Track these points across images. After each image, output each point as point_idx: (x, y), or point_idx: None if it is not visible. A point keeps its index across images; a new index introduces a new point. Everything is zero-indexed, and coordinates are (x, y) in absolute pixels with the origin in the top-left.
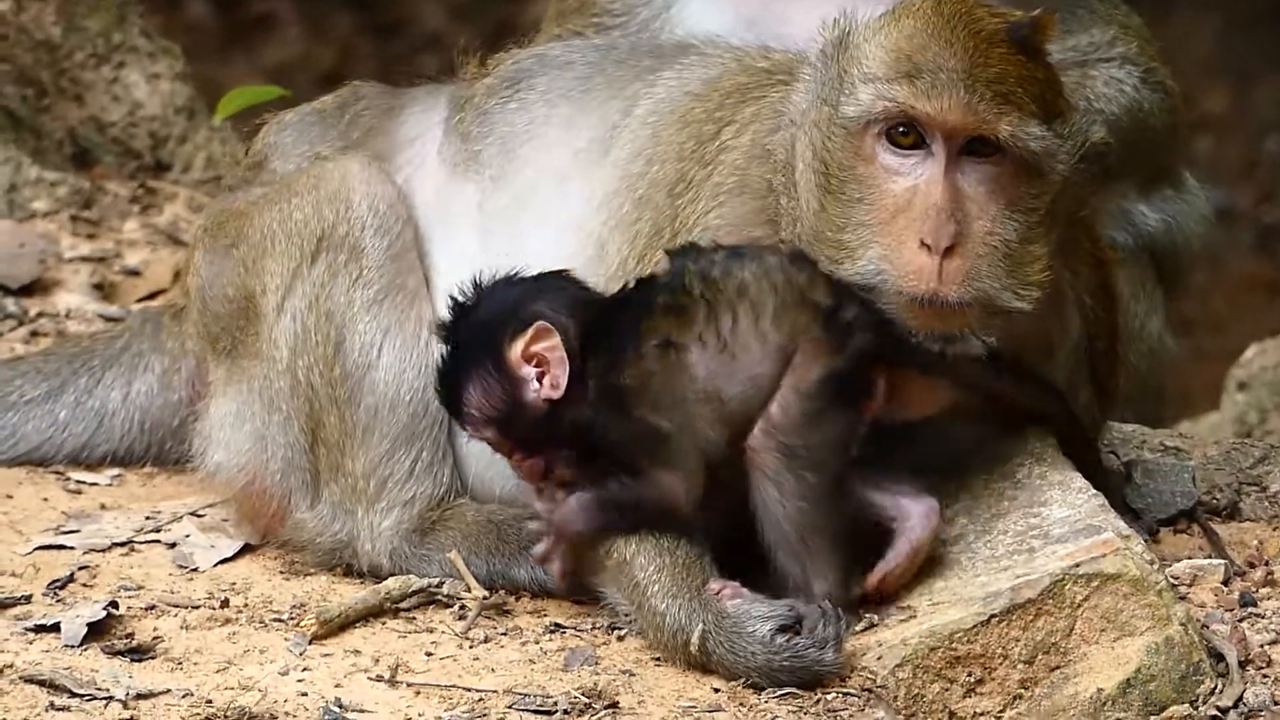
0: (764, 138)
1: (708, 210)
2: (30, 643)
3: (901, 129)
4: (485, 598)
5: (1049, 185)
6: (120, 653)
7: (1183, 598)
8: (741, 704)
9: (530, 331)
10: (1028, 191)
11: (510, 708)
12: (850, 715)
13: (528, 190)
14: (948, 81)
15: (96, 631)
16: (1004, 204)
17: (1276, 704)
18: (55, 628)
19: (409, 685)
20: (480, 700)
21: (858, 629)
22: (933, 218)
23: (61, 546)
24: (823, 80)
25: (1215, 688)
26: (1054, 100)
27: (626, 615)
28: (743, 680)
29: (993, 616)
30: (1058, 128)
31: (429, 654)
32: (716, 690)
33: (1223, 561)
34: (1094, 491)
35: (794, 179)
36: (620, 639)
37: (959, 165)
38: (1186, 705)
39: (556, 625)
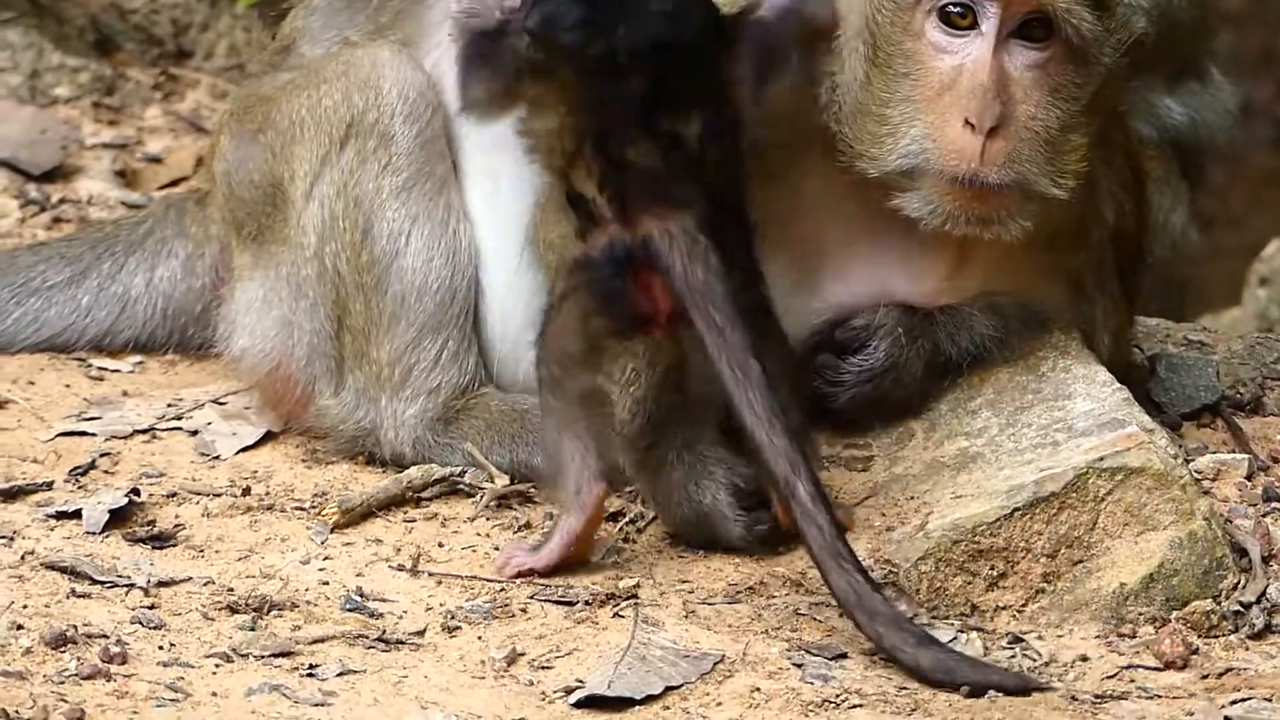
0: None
1: None
2: (51, 529)
3: (957, 9)
4: (505, 486)
5: (1093, 75)
6: (141, 540)
7: (1206, 492)
8: (761, 595)
9: None
10: (1073, 80)
11: (531, 598)
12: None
13: None
14: None
15: (118, 519)
16: (1049, 90)
17: None
18: (77, 514)
19: (430, 575)
20: (501, 590)
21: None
22: (979, 97)
23: (83, 433)
24: None
25: (1238, 583)
26: None
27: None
28: (765, 573)
29: (1016, 510)
30: (1106, 20)
31: (450, 544)
32: (734, 584)
33: (1246, 456)
34: (1118, 385)
35: (842, 47)
36: (640, 530)
37: (1007, 48)
38: (1209, 600)
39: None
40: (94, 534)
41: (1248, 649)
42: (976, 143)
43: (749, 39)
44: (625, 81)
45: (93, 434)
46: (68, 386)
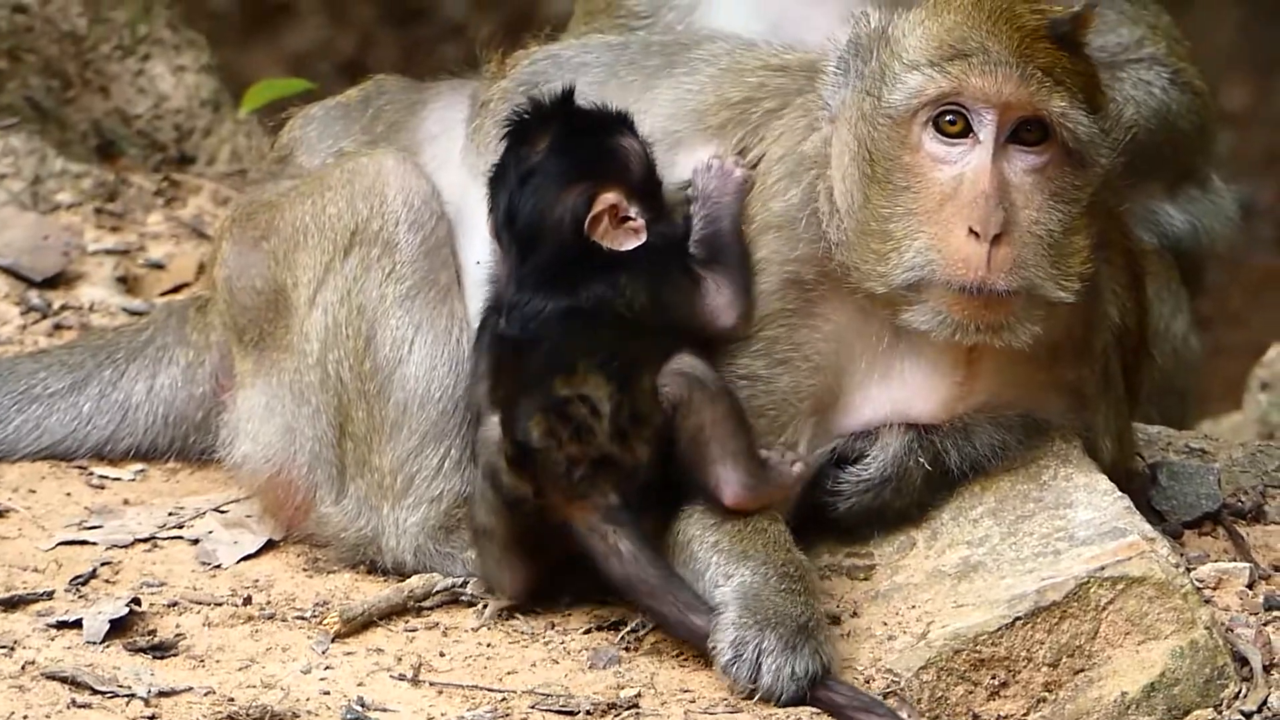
0: (794, 150)
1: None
2: (52, 639)
3: (949, 117)
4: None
5: (1092, 176)
6: (142, 649)
7: (1208, 601)
8: (764, 705)
9: None
10: (1072, 182)
11: (533, 708)
12: None
13: None
14: (999, 60)
15: (119, 628)
16: (1049, 194)
17: None
18: (77, 624)
19: (431, 684)
20: (503, 700)
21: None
22: (982, 205)
23: (84, 542)
24: (861, 74)
25: (1239, 692)
26: (1095, 92)
27: None
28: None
29: (1017, 619)
30: (1100, 120)
31: (452, 653)
32: (765, 697)
33: (1248, 565)
34: (1119, 494)
35: (834, 176)
36: (641, 639)
37: (1005, 154)
38: (1210, 709)
39: (580, 624)
40: (95, 644)
41: None
42: (982, 251)
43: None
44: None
45: (94, 543)
46: (69, 495)
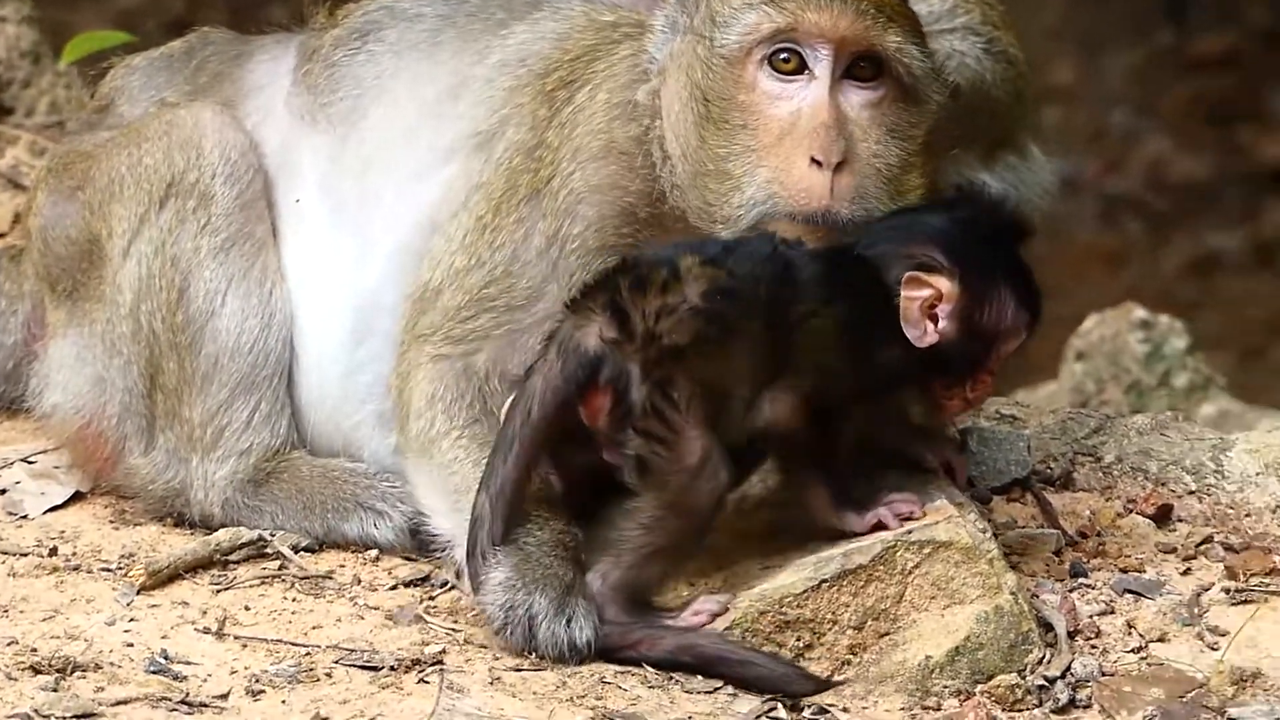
0: (621, 93)
1: (570, 173)
2: None
3: (784, 55)
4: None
5: (926, 114)
6: None
7: (1014, 567)
8: (566, 665)
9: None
10: (907, 118)
11: (337, 663)
12: (684, 676)
13: (376, 143)
14: None
15: None
16: (886, 129)
17: (1104, 674)
18: None
19: (236, 638)
20: (307, 655)
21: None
22: (822, 134)
23: None
24: (690, 25)
25: (1043, 657)
26: (923, 35)
27: None
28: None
29: (823, 581)
30: (931, 58)
31: (257, 607)
32: (541, 657)
33: (1055, 531)
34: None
35: (665, 125)
36: (446, 596)
37: (841, 89)
38: (1014, 674)
39: (385, 581)
40: None
41: None
42: (825, 179)
43: None
44: None
45: None
46: None
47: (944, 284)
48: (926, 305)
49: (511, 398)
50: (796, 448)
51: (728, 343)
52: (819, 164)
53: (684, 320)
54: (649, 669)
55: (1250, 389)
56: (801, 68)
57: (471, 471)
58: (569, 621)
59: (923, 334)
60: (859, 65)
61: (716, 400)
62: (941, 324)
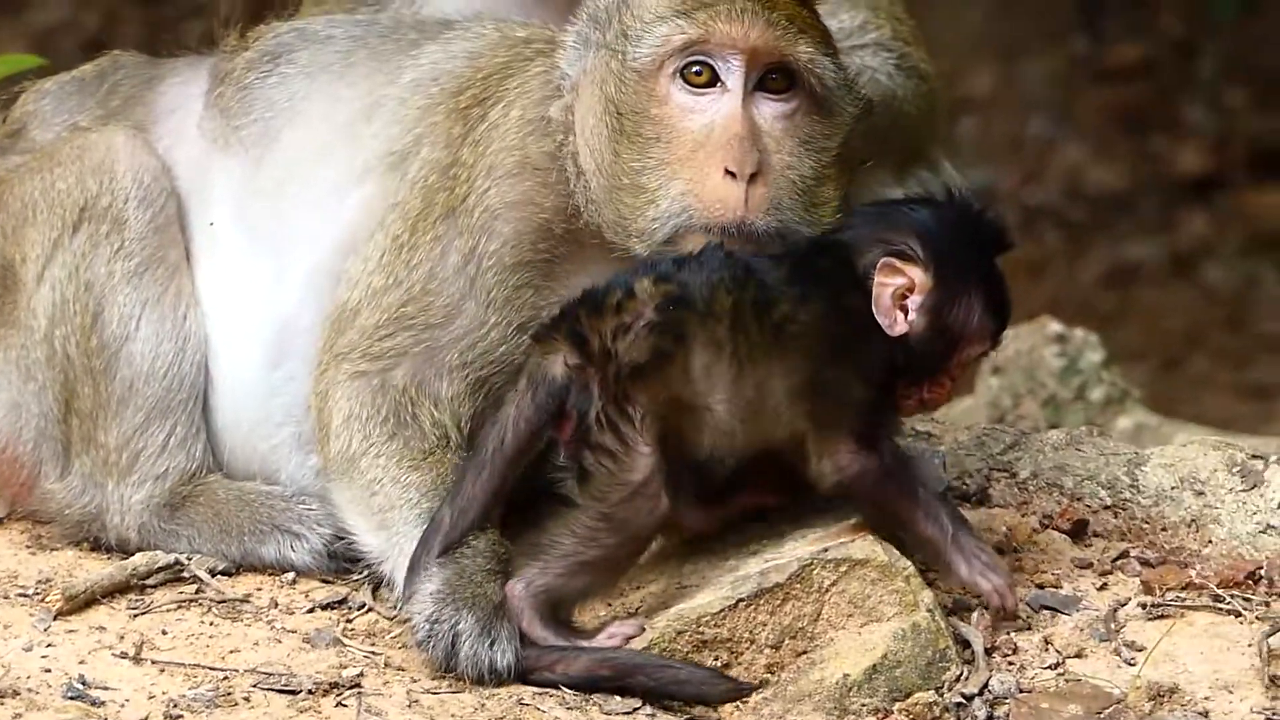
0: (535, 109)
1: (485, 190)
2: None
3: (696, 68)
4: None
5: (839, 125)
6: None
7: (930, 584)
8: (484, 687)
9: None
10: (820, 130)
11: (255, 686)
12: (602, 697)
13: (290, 165)
14: (744, 7)
15: None
16: (799, 140)
17: (1021, 691)
18: None
19: (153, 662)
20: (225, 679)
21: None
22: (736, 145)
23: None
24: (602, 40)
25: (960, 674)
26: (835, 48)
27: None
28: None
29: (740, 600)
30: (843, 69)
31: (174, 631)
32: (459, 676)
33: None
34: None
35: (579, 140)
36: (364, 618)
37: (754, 101)
38: (931, 691)
39: (302, 604)
40: None
41: None
42: (739, 190)
43: None
44: None
45: None
46: None
47: (918, 274)
48: (899, 294)
49: (488, 423)
50: (887, 497)
51: (689, 353)
52: (733, 176)
53: (640, 337)
54: (567, 690)
55: (1169, 400)
56: (714, 80)
57: (393, 489)
58: (492, 644)
59: (893, 323)
60: (771, 77)
61: (686, 414)
62: (911, 315)
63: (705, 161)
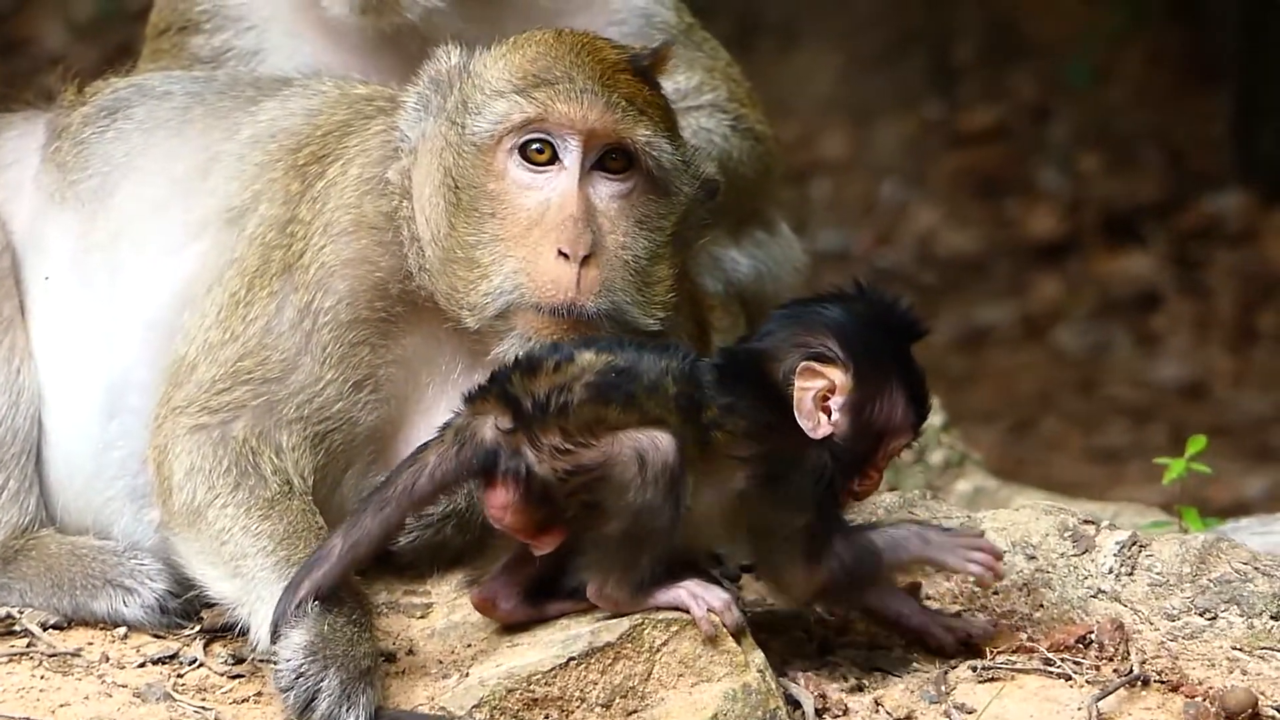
0: (373, 169)
1: (322, 247)
2: None
3: (536, 145)
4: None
5: (675, 206)
6: None
7: (762, 644)
8: None
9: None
10: (656, 210)
11: None
12: None
13: (126, 220)
14: (584, 88)
15: None
16: (635, 220)
17: None
18: None
19: None
20: None
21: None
22: (570, 227)
23: None
24: (443, 107)
25: None
26: (674, 127)
27: None
28: None
29: (571, 659)
30: (681, 150)
31: (4, 685)
32: None
33: (804, 609)
34: None
35: (416, 207)
36: (195, 673)
37: (591, 180)
38: None
39: (133, 659)
40: None
41: None
42: (571, 272)
43: None
44: None
45: None
46: None
47: (838, 375)
48: (820, 397)
49: (402, 462)
50: (853, 596)
51: (627, 409)
52: (566, 256)
53: (576, 393)
54: None
55: (1018, 463)
56: (553, 159)
57: (244, 538)
58: (349, 709)
59: (816, 425)
60: (610, 157)
61: (611, 490)
62: (835, 416)
63: (539, 241)
